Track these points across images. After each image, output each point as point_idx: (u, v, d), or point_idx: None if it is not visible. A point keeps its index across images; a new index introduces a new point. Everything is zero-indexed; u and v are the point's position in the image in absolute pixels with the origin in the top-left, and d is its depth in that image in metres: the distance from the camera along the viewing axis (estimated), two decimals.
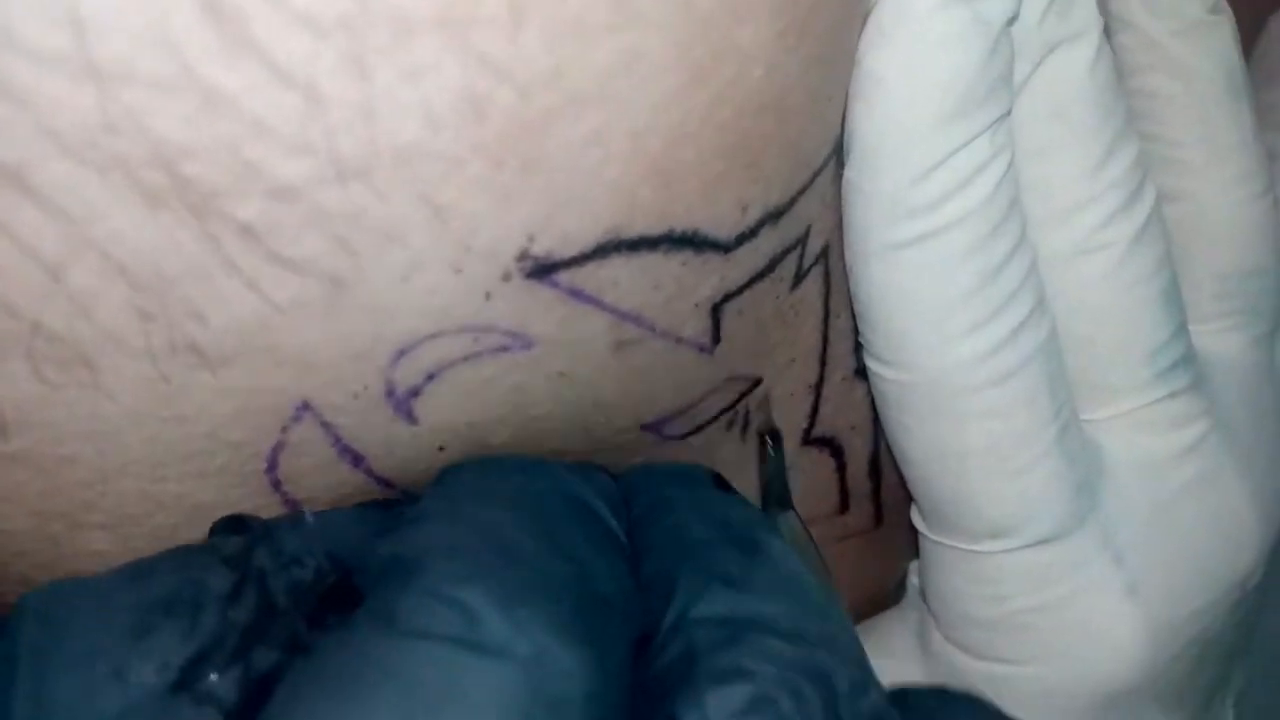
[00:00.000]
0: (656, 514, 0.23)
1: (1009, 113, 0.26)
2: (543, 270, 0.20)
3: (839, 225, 0.26)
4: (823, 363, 0.29)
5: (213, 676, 0.18)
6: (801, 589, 0.22)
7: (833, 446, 0.31)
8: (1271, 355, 0.34)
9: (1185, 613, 0.29)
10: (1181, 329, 0.30)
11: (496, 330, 0.21)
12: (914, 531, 0.31)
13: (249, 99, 0.17)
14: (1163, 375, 0.29)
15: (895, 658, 0.32)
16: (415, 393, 0.21)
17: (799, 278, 0.26)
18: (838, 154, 0.25)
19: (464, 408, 0.22)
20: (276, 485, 0.22)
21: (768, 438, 0.27)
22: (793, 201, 0.24)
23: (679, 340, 0.24)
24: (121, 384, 0.20)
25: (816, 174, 0.25)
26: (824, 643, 0.21)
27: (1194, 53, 0.31)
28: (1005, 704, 0.29)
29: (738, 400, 0.27)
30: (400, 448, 0.22)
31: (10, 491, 0.21)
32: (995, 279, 0.25)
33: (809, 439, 0.30)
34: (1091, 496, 0.28)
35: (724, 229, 0.23)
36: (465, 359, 0.21)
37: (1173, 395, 0.29)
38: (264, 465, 0.22)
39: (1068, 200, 0.27)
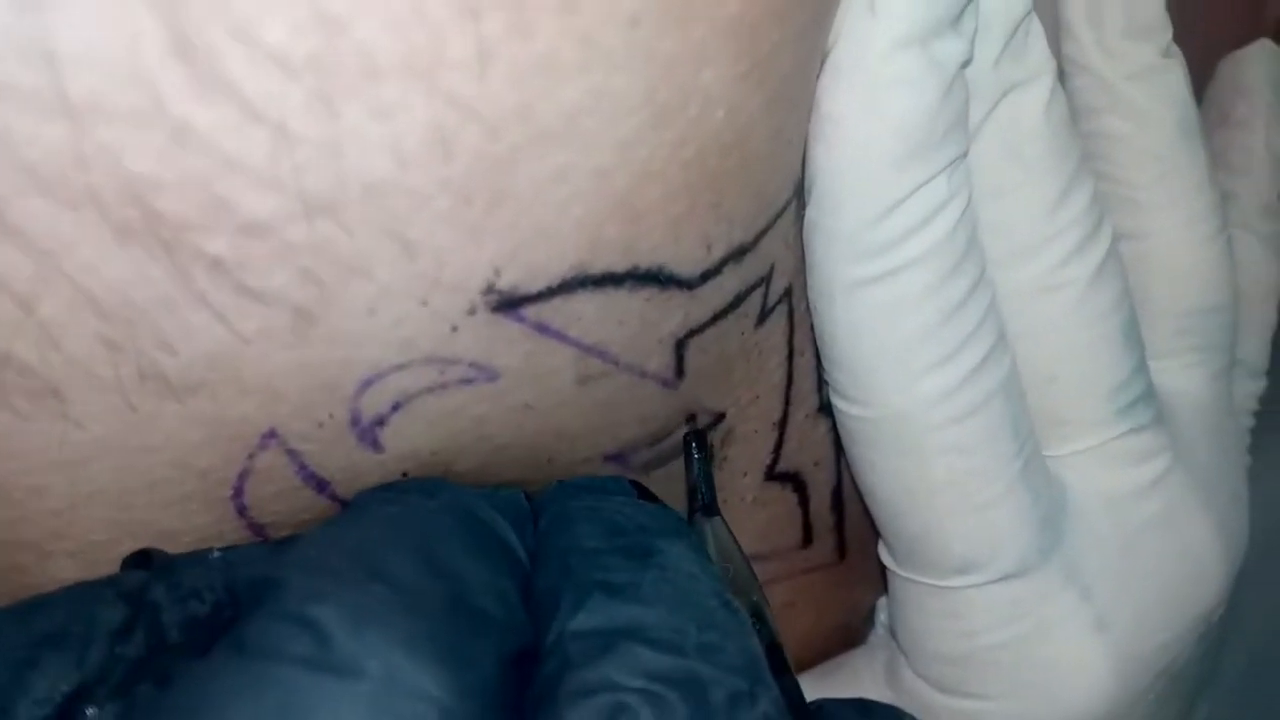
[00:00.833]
0: (555, 528, 0.23)
1: (965, 154, 0.26)
2: (509, 304, 0.21)
3: (801, 266, 0.27)
4: (787, 400, 0.29)
5: (90, 711, 0.18)
6: (691, 597, 0.21)
7: (795, 481, 0.31)
8: (1229, 390, 0.34)
9: (1153, 646, 0.30)
10: (1141, 366, 0.30)
11: (462, 362, 0.21)
12: (878, 564, 0.32)
13: (219, 135, 0.18)
14: (1124, 411, 0.30)
15: (863, 692, 0.32)
16: (380, 422, 0.21)
17: (763, 316, 0.27)
18: (799, 195, 0.26)
19: (428, 437, 0.22)
20: (242, 511, 0.22)
21: (693, 443, 0.27)
22: (756, 240, 0.24)
23: (643, 374, 0.24)
24: (90, 414, 0.20)
25: (779, 214, 0.25)
26: (704, 653, 0.20)
27: (1147, 95, 0.31)
28: None
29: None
30: (365, 474, 0.22)
31: None
32: (956, 316, 0.26)
33: (772, 474, 0.30)
34: (1056, 531, 0.29)
35: (688, 266, 0.23)
36: (430, 390, 0.21)
37: (1135, 431, 0.30)
38: (230, 492, 0.22)
39: (1027, 239, 0.28)
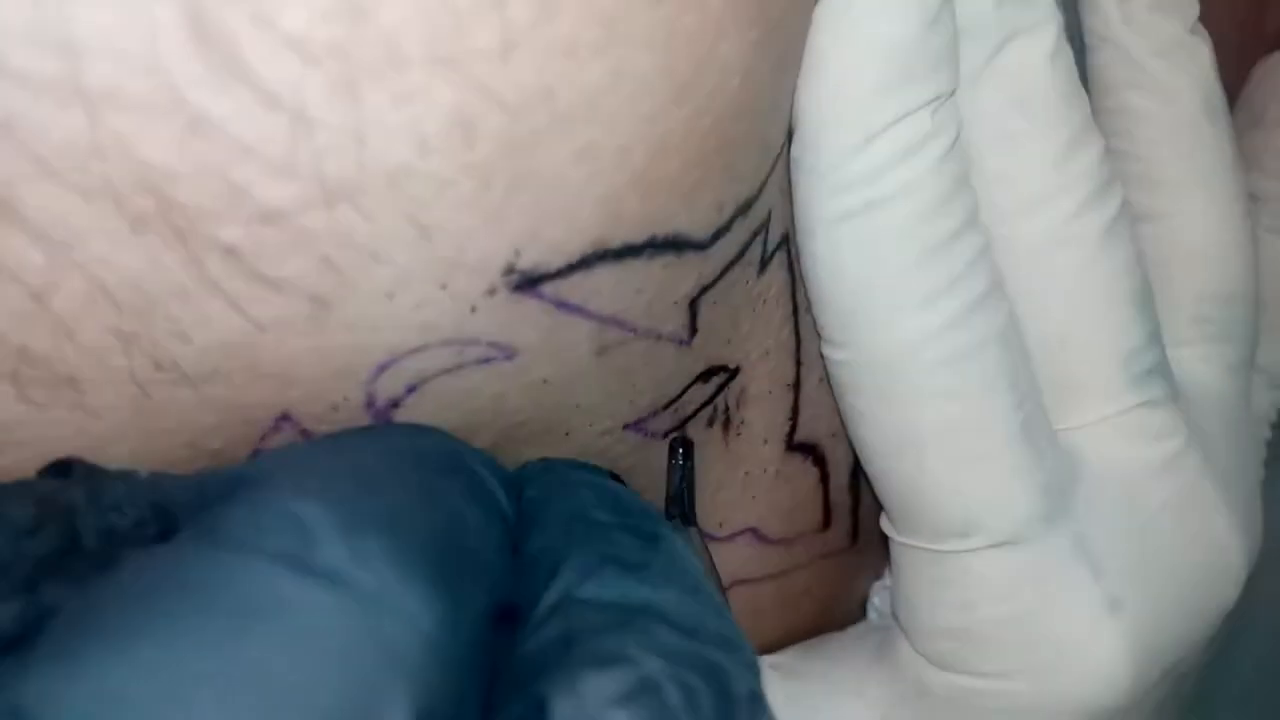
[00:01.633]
0: (555, 494, 0.22)
1: (953, 92, 0.26)
2: (528, 283, 0.20)
3: (791, 219, 0.27)
4: (798, 362, 0.29)
5: None
6: (701, 587, 0.21)
7: (815, 454, 0.31)
8: (1247, 386, 0.34)
9: (1168, 637, 0.29)
10: (1155, 337, 0.30)
11: (480, 342, 0.21)
12: (883, 551, 0.31)
13: (236, 123, 0.17)
14: (1138, 380, 0.29)
15: (847, 670, 0.32)
16: (395, 404, 0.21)
17: (763, 263, 0.26)
18: (789, 138, 0.26)
19: (444, 417, 0.22)
20: None
21: (679, 449, 0.27)
22: (760, 190, 0.24)
23: (659, 337, 0.24)
24: (106, 403, 0.19)
25: (775, 160, 0.25)
26: (721, 643, 0.19)
27: (1173, 72, 0.31)
28: None
29: (716, 393, 0.27)
30: None
31: None
32: (941, 255, 0.25)
33: (792, 444, 0.30)
34: (1063, 501, 0.28)
35: (702, 229, 0.23)
36: (448, 371, 0.21)
37: (1149, 404, 0.29)
38: None
39: (1035, 190, 0.28)
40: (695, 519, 0.27)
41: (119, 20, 0.16)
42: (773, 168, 0.25)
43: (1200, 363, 0.33)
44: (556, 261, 0.21)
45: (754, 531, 0.31)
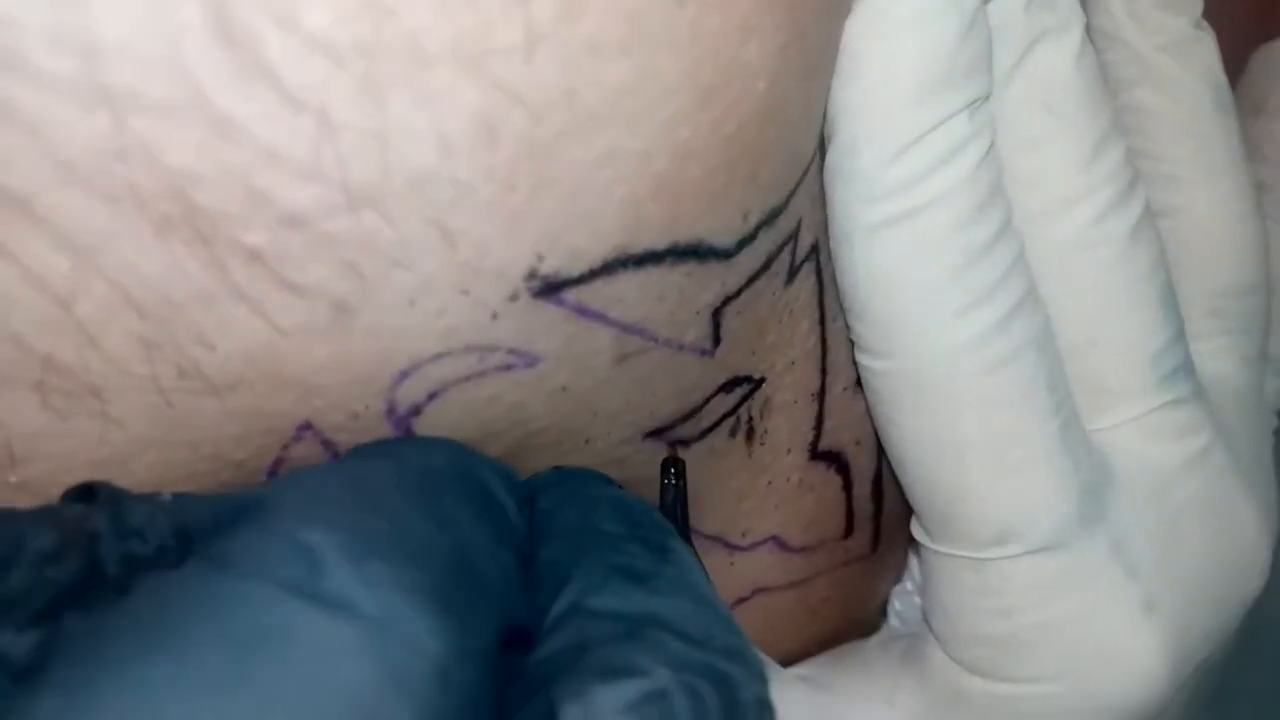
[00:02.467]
0: (565, 505, 0.22)
1: (988, 96, 0.26)
2: (550, 289, 0.20)
3: (825, 219, 0.26)
4: (823, 370, 0.29)
5: (7, 632, 0.16)
6: (709, 599, 0.21)
7: (839, 463, 0.31)
8: (1261, 377, 0.34)
9: (1199, 633, 0.29)
10: (1180, 335, 0.30)
11: (501, 349, 0.21)
12: (904, 556, 0.31)
13: (260, 126, 0.17)
14: (1165, 380, 0.29)
15: (876, 679, 0.32)
16: (416, 411, 0.21)
17: (792, 274, 0.26)
18: (821, 146, 0.25)
19: (463, 424, 0.22)
20: None
21: (670, 468, 0.26)
22: (788, 200, 0.24)
23: (681, 347, 0.24)
24: (129, 412, 0.19)
25: (806, 170, 0.25)
26: (729, 653, 0.19)
27: (1181, 67, 0.31)
28: None
29: (739, 404, 0.27)
30: None
31: None
32: (981, 261, 0.25)
33: (816, 453, 0.30)
34: (1099, 504, 0.28)
35: (726, 237, 0.23)
36: (468, 378, 0.21)
37: (1176, 403, 0.29)
38: (264, 480, 0.21)
39: (1062, 193, 0.27)
40: (689, 538, 0.26)
41: (142, 21, 0.16)
42: (802, 177, 0.25)
43: (1216, 356, 0.33)
44: (578, 267, 0.20)
45: (776, 540, 0.31)
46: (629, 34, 0.19)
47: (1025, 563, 0.28)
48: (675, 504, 0.26)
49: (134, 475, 0.20)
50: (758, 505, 0.30)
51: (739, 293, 0.24)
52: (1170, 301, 0.29)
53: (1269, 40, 0.38)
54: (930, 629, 0.31)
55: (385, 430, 0.21)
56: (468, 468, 0.20)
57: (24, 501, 0.20)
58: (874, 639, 0.34)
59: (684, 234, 0.22)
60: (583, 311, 0.21)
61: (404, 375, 0.20)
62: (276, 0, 0.16)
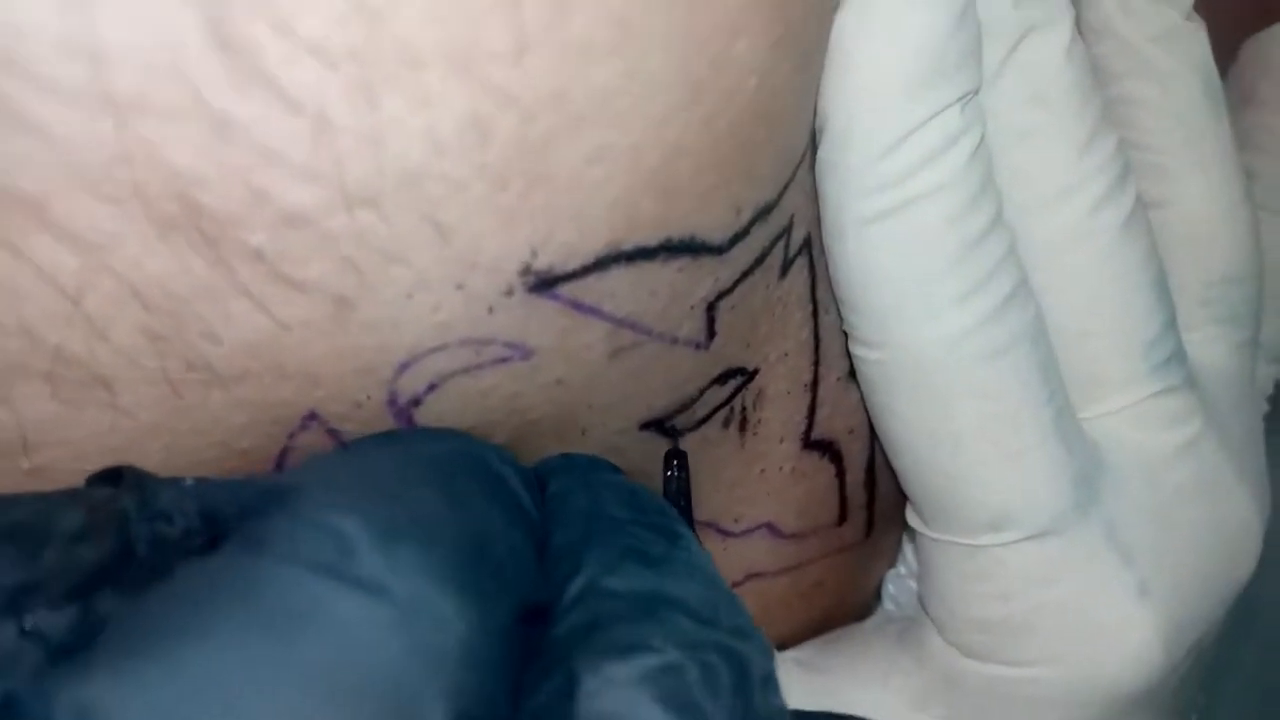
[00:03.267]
0: (575, 491, 0.23)
1: (978, 89, 0.26)
2: (544, 284, 0.21)
3: (818, 213, 0.27)
4: (816, 361, 0.29)
5: (42, 610, 0.17)
6: (717, 582, 0.22)
7: (832, 451, 0.31)
8: (1253, 364, 0.34)
9: (1192, 617, 0.29)
10: (1172, 324, 0.30)
11: (497, 342, 0.21)
12: (896, 541, 0.32)
13: (260, 128, 0.18)
14: (1158, 369, 0.30)
15: (871, 662, 0.32)
16: (416, 402, 0.22)
17: (785, 268, 0.27)
18: (814, 140, 0.26)
19: (463, 414, 0.22)
20: None
21: (674, 460, 0.27)
22: (780, 196, 0.25)
23: (675, 341, 0.24)
24: (139, 403, 0.20)
25: (798, 165, 0.25)
26: (738, 632, 0.20)
27: (1171, 58, 0.31)
28: (1011, 710, 0.29)
29: (733, 395, 0.28)
30: None
31: None
32: (974, 252, 0.26)
33: (809, 442, 0.31)
34: (1093, 490, 0.29)
35: (719, 233, 0.23)
36: (466, 370, 0.22)
37: (1169, 391, 0.30)
38: (271, 467, 0.22)
39: (1054, 186, 0.28)
40: (693, 527, 0.27)
41: (143, 30, 0.17)
42: (795, 172, 0.25)
43: (1208, 344, 0.33)
44: (572, 263, 0.21)
45: (770, 526, 0.31)
46: (618, 34, 0.19)
47: (1021, 549, 0.28)
48: (678, 494, 0.27)
49: (144, 461, 0.21)
50: (751, 493, 0.30)
51: (733, 287, 0.25)
52: (1162, 291, 0.30)
53: (1259, 31, 0.38)
54: (926, 613, 0.31)
55: (388, 419, 0.22)
56: (477, 454, 0.21)
57: (38, 487, 0.20)
58: (869, 622, 0.34)
59: (677, 230, 0.22)
60: (577, 306, 0.22)
61: (404, 367, 0.21)
62: (272, 7, 0.17)
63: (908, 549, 0.36)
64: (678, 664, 0.19)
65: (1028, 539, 0.28)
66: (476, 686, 0.17)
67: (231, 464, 0.22)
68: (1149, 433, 0.30)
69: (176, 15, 0.17)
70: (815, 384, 0.30)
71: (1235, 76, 0.38)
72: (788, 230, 0.26)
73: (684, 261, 0.23)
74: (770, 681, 0.20)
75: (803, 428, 0.30)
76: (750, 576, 0.32)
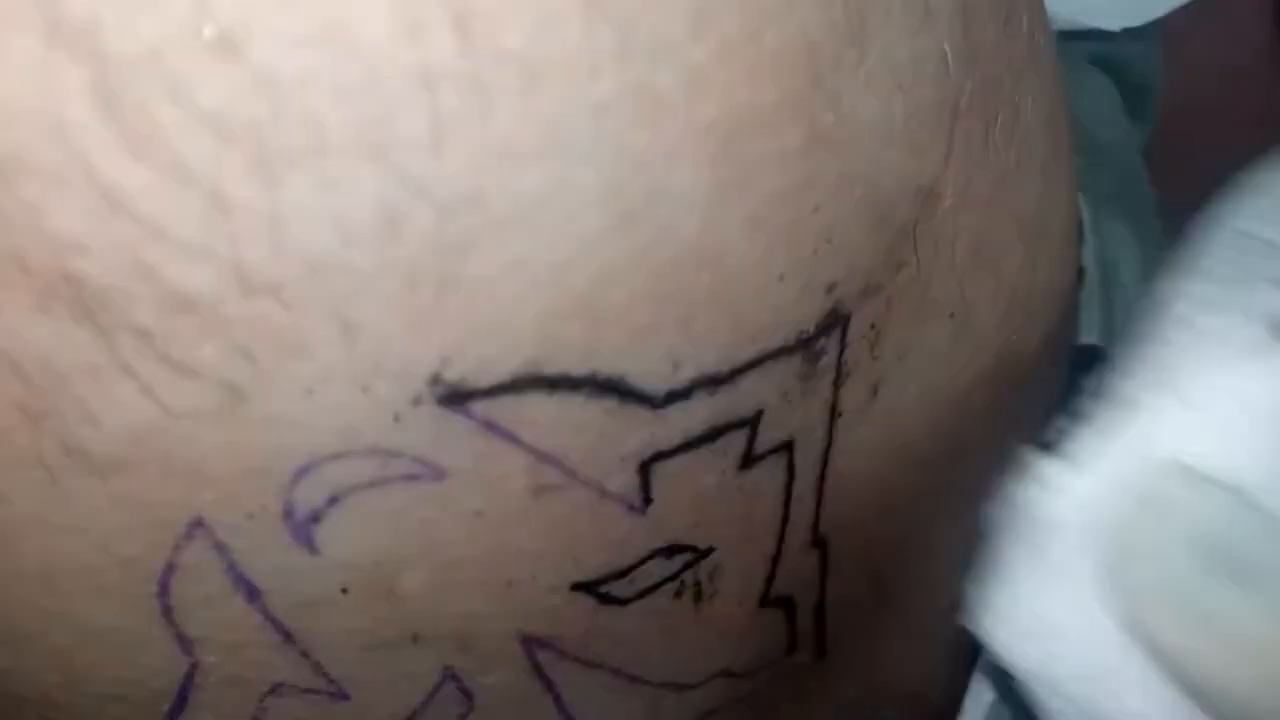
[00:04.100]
0: None
1: None
2: (456, 397, 0.20)
3: (816, 430, 0.25)
4: (781, 538, 0.28)
5: None
6: None
7: (787, 605, 0.30)
8: None
9: None
10: None
11: (406, 456, 0.20)
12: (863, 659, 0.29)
13: (148, 199, 0.17)
14: None
15: None
16: (315, 517, 0.20)
17: (749, 460, 0.25)
18: (804, 349, 0.24)
19: (369, 541, 0.21)
20: (168, 614, 0.21)
21: None
22: (733, 375, 0.23)
23: (604, 493, 0.23)
24: (14, 487, 0.19)
25: (767, 358, 0.24)
26: None
27: None
28: None
29: (683, 569, 0.26)
30: (300, 582, 0.21)
31: None
32: None
33: (766, 601, 0.29)
34: None
35: (652, 381, 0.22)
36: (371, 484, 0.20)
37: None
38: (156, 588, 0.21)
39: None
40: None
41: (25, 86, 0.16)
42: (758, 361, 0.23)
43: None
44: (485, 379, 0.20)
45: (725, 672, 0.30)
46: (543, 139, 0.19)
47: None
48: None
49: (20, 559, 0.20)
50: (708, 649, 0.29)
51: (672, 453, 0.23)
52: None
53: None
54: None
55: (284, 538, 0.21)
56: None
57: None
58: None
59: (605, 365, 0.21)
60: (491, 427, 0.21)
61: (301, 472, 0.20)
62: (163, 72, 0.17)
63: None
64: None
65: None
66: None
67: (113, 575, 0.20)
68: None
69: (62, 74, 0.17)
70: (778, 557, 0.28)
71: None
72: (752, 424, 0.24)
73: (612, 404, 0.22)
74: None
75: (760, 591, 0.28)
76: (704, 716, 0.30)
